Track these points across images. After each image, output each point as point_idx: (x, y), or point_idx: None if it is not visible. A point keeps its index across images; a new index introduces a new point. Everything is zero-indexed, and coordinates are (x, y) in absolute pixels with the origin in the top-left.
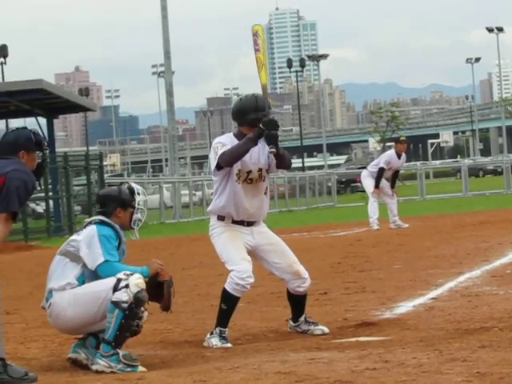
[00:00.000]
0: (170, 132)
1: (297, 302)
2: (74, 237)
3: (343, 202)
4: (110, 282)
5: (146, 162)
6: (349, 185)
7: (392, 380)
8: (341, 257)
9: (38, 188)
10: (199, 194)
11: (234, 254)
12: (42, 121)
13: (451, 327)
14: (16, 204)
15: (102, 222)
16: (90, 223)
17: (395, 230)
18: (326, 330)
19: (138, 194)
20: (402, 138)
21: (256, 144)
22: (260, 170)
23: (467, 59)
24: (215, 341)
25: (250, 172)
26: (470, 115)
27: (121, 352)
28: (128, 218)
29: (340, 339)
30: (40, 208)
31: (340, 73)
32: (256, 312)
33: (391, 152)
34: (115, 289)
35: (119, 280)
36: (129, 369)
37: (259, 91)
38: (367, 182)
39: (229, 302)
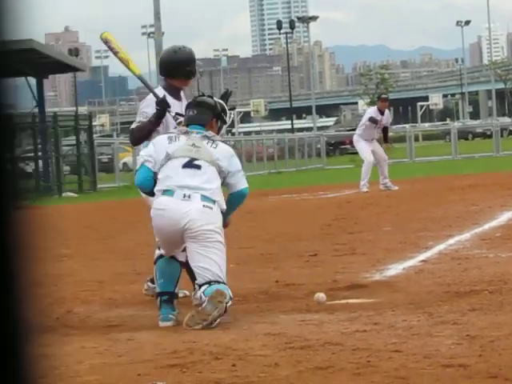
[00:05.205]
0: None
1: None
2: (207, 150)
3: (332, 164)
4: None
5: None
6: (338, 147)
7: (382, 342)
8: (330, 219)
9: None
10: None
11: None
12: (32, 81)
13: (441, 290)
14: None
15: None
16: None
17: (384, 193)
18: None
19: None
20: (382, 96)
21: (158, 124)
22: None
23: (457, 22)
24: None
25: None
26: (459, 78)
27: None
28: (216, 130)
29: (330, 301)
30: (29, 168)
31: (330, 35)
32: (246, 273)
33: (373, 108)
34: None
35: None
36: None
37: (247, 52)
38: (360, 146)
39: None
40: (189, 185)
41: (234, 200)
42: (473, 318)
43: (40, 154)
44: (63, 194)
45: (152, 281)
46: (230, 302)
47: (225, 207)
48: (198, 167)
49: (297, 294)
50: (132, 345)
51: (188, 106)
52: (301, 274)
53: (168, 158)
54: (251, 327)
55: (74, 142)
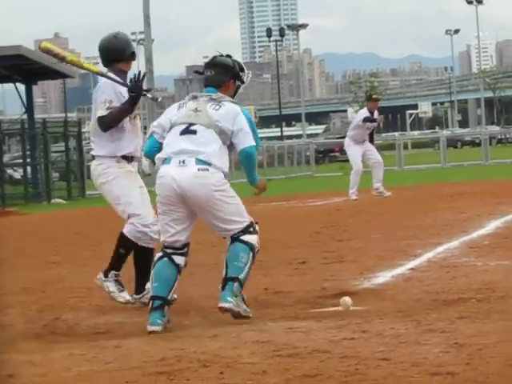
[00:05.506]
0: (149, 100)
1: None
2: (208, 112)
3: (322, 172)
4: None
5: None
6: (327, 154)
7: (370, 350)
8: (320, 226)
9: None
10: None
11: (138, 198)
12: (21, 87)
13: (429, 298)
14: None
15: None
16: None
17: (373, 200)
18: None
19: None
20: (373, 96)
21: (132, 110)
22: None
23: (446, 31)
24: (112, 287)
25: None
26: (448, 86)
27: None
28: (233, 91)
29: (318, 309)
30: (17, 174)
31: (319, 42)
32: None
33: (364, 110)
34: (247, 231)
35: (252, 223)
36: (248, 310)
37: (238, 58)
38: (352, 152)
39: (128, 248)
40: (184, 150)
41: (242, 160)
42: (461, 326)
43: (29, 160)
44: (52, 201)
45: (136, 291)
46: (257, 249)
47: (226, 170)
48: (194, 132)
49: (285, 301)
50: (120, 352)
51: (206, 67)
52: (290, 281)
53: (171, 126)
54: (239, 335)
55: (63, 149)
